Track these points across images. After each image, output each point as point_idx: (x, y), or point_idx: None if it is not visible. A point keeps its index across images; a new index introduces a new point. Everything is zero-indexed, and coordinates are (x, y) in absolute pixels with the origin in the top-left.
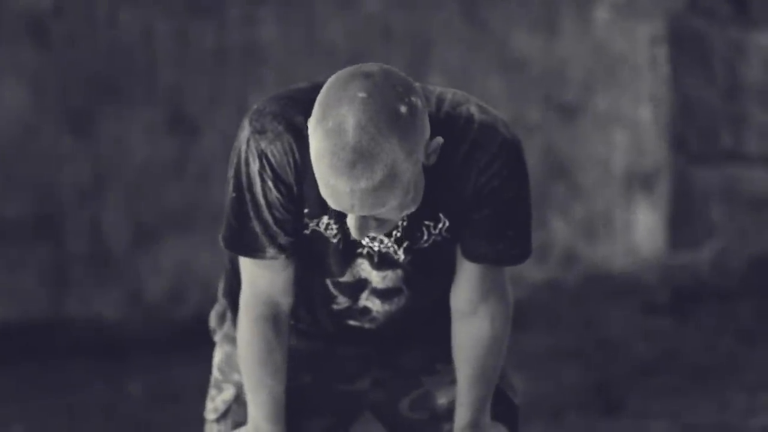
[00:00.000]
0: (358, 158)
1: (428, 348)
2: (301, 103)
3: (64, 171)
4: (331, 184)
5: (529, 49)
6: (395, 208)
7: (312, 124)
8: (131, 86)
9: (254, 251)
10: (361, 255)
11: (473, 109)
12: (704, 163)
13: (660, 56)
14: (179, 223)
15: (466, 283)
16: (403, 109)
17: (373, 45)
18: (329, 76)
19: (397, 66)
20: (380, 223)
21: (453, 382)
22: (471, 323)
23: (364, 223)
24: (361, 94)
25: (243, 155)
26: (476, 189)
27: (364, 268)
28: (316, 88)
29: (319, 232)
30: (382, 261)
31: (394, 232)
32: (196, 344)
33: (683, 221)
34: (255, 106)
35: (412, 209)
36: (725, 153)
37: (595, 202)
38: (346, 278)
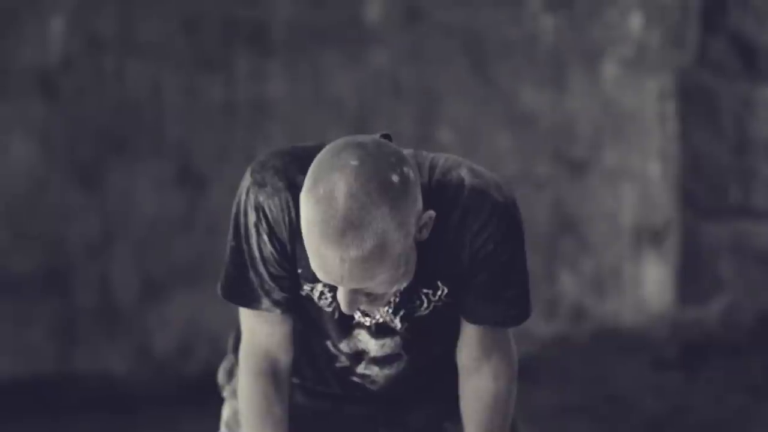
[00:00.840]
0: (348, 226)
1: (435, 407)
2: (304, 162)
3: (72, 225)
4: (321, 253)
5: (538, 105)
6: (385, 282)
7: (303, 192)
8: (139, 140)
9: (250, 301)
10: (358, 325)
11: (464, 174)
12: (713, 218)
13: (668, 111)
14: (187, 277)
15: (469, 342)
16: (395, 178)
17: (381, 100)
18: (337, 132)
19: (406, 121)
20: (371, 298)
21: None
22: (475, 381)
23: (353, 297)
24: (353, 162)
25: (242, 206)
26: (471, 254)
27: (361, 338)
28: (320, 149)
29: (313, 300)
30: (380, 329)
31: (388, 306)
32: (205, 399)
33: (692, 276)
34: (258, 158)
35: (404, 284)
36: (734, 208)
37: (603, 257)
38: (343, 347)
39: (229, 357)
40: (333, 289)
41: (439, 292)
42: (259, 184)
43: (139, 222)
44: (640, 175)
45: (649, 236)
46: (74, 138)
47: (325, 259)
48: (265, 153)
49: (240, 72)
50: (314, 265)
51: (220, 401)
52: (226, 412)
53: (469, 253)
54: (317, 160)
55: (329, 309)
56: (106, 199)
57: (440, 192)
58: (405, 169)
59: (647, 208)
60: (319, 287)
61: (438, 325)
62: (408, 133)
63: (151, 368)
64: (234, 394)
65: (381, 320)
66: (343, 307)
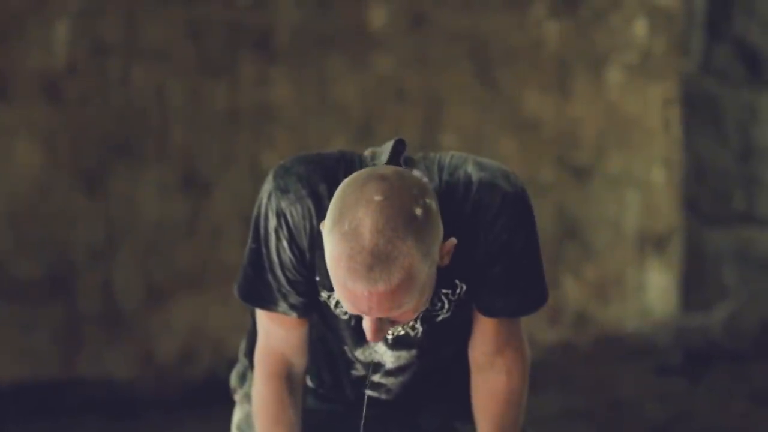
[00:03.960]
0: (376, 261)
1: (445, 407)
2: (326, 171)
3: (76, 230)
4: (349, 287)
5: (542, 111)
6: (410, 310)
7: (327, 226)
8: (143, 146)
9: (267, 303)
10: None
11: (471, 169)
12: (717, 225)
13: (673, 118)
14: (191, 282)
15: (483, 337)
16: (418, 211)
17: (385, 105)
18: (342, 137)
19: (410, 126)
20: (395, 324)
21: None
22: (489, 376)
23: (379, 326)
24: (377, 197)
25: (263, 209)
26: (486, 247)
27: (377, 349)
28: (342, 159)
29: (329, 307)
30: (398, 341)
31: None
32: (208, 404)
33: (696, 283)
34: (282, 162)
35: (424, 309)
36: (738, 215)
37: (607, 263)
38: (359, 355)
39: (242, 360)
40: None
41: (458, 291)
42: (282, 190)
43: (143, 227)
44: (643, 181)
45: (652, 243)
46: (78, 143)
47: (353, 292)
48: (288, 159)
49: (245, 77)
50: (340, 296)
51: (223, 406)
52: (237, 416)
53: (483, 246)
54: (340, 194)
55: (345, 317)
56: (110, 204)
57: (450, 191)
58: (427, 200)
59: (651, 214)
60: (336, 295)
61: (455, 327)
62: (412, 138)
63: (154, 373)
64: (246, 397)
65: (402, 332)
66: (369, 337)
